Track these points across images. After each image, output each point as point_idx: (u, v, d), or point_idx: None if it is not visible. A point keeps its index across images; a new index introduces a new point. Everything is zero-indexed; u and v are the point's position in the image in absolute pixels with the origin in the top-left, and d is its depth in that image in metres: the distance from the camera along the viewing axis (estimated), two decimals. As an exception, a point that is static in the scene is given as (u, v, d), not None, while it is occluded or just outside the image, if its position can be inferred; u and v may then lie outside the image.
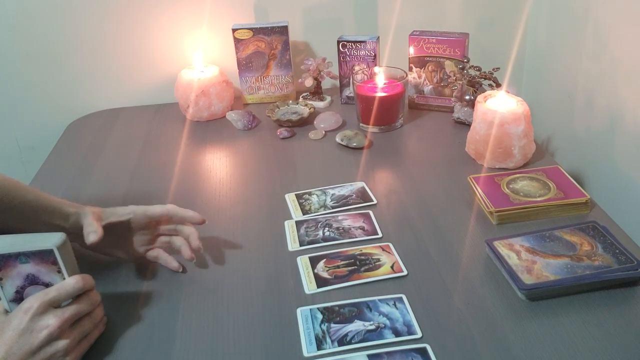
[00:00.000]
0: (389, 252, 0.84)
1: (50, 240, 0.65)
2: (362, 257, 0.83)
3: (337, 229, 0.90)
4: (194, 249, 0.83)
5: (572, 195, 0.91)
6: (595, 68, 1.14)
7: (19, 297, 0.66)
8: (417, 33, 1.26)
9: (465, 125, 1.20)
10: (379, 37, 1.30)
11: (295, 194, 1.00)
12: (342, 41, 1.29)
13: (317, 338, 0.69)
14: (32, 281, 0.66)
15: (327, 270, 0.81)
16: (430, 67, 1.27)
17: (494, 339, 0.68)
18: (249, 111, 1.30)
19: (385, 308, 0.73)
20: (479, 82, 1.19)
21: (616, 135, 1.08)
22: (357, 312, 0.73)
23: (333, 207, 0.96)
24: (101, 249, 0.82)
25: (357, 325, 0.71)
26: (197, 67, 1.33)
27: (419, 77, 1.28)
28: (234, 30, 1.31)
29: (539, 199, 0.91)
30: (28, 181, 1.11)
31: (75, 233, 0.78)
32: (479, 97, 1.07)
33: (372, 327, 0.71)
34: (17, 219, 0.79)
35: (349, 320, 0.72)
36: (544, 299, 0.74)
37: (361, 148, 1.15)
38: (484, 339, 0.68)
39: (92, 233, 0.77)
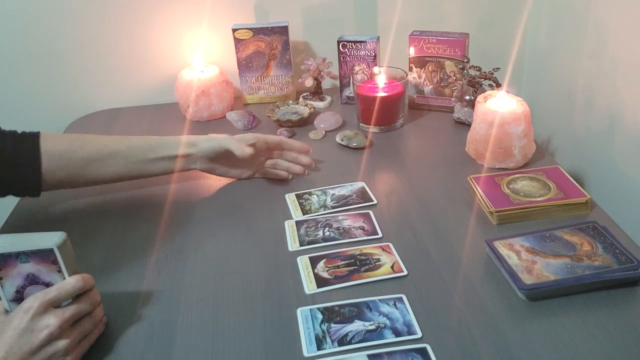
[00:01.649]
0: (389, 252, 0.84)
1: (51, 239, 0.65)
2: (362, 257, 0.83)
3: (337, 229, 0.90)
4: (306, 165, 1.06)
5: (572, 195, 0.91)
6: (595, 68, 1.14)
7: (19, 297, 0.66)
8: (417, 33, 1.26)
9: (466, 125, 1.20)
10: (379, 37, 1.30)
11: (295, 194, 1.00)
12: (342, 41, 1.29)
13: (317, 338, 0.69)
14: (33, 281, 0.66)
15: (327, 270, 0.81)
16: (430, 67, 1.27)
17: (494, 339, 0.69)
18: (249, 111, 1.30)
19: (385, 308, 0.73)
20: (479, 82, 1.19)
21: (616, 135, 1.08)
22: (357, 312, 0.73)
23: (333, 207, 0.96)
24: (220, 171, 1.03)
25: (357, 325, 0.71)
26: (197, 67, 1.33)
27: (419, 77, 1.28)
28: (234, 30, 1.31)
29: (539, 199, 0.91)
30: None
31: (201, 157, 0.98)
32: (479, 97, 1.07)
33: (372, 327, 0.71)
34: (131, 161, 0.94)
35: (349, 320, 0.72)
36: (544, 299, 0.74)
37: (361, 148, 1.15)
38: (484, 339, 0.68)
39: (247, 148, 0.97)
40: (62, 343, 0.64)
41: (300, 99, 1.36)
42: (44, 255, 0.65)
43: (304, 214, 0.94)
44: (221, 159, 1.01)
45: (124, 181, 0.98)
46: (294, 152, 1.06)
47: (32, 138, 0.89)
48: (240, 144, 0.97)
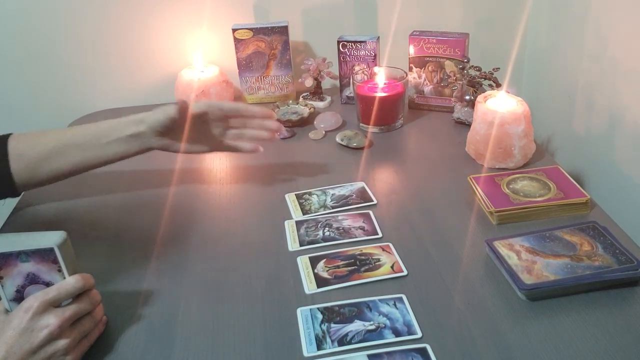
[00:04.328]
0: (389, 252, 0.84)
1: (51, 238, 0.65)
2: (362, 257, 0.83)
3: (337, 229, 0.90)
4: (274, 129, 0.98)
5: (572, 195, 0.91)
6: (595, 68, 1.14)
7: (19, 297, 0.66)
8: (417, 33, 1.26)
9: (465, 125, 1.20)
10: (379, 37, 1.30)
11: (295, 194, 1.00)
12: (342, 41, 1.29)
13: (317, 338, 0.69)
14: (33, 280, 0.66)
15: (327, 270, 0.81)
16: (430, 67, 1.27)
17: (494, 339, 0.69)
18: (249, 111, 1.30)
19: (385, 308, 0.73)
20: (479, 82, 1.19)
21: (616, 135, 1.08)
22: (357, 312, 0.73)
23: (333, 207, 0.96)
24: (183, 147, 0.94)
25: (357, 325, 0.71)
26: (197, 67, 1.33)
27: (419, 77, 1.28)
28: (234, 30, 1.31)
29: (539, 199, 0.91)
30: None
31: (152, 132, 0.90)
32: (479, 97, 1.07)
33: (372, 327, 0.71)
34: (85, 150, 0.90)
35: (349, 320, 0.72)
36: (544, 299, 0.74)
37: (361, 148, 1.15)
38: (484, 339, 0.68)
39: (180, 102, 0.89)
40: (62, 342, 0.64)
41: (300, 99, 1.36)
42: (44, 255, 0.65)
43: (304, 214, 0.94)
44: (174, 133, 0.93)
45: (84, 171, 0.94)
46: (257, 119, 0.98)
47: (1, 140, 0.89)
48: (176, 106, 0.91)
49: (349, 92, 1.35)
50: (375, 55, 1.29)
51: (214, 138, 0.97)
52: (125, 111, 1.39)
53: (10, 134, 0.90)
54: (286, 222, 0.93)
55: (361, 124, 1.24)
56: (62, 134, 0.93)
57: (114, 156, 0.93)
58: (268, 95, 1.39)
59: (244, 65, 1.35)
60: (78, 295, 0.67)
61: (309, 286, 0.78)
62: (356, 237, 0.88)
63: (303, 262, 0.83)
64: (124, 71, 1.40)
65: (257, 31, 1.32)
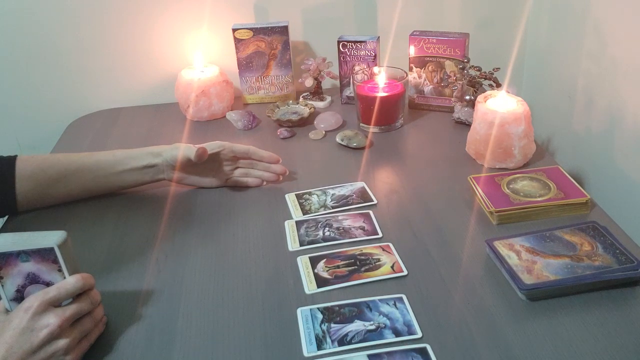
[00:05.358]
0: (389, 252, 0.84)
1: (51, 238, 0.65)
2: (362, 257, 0.83)
3: (337, 229, 0.90)
4: (280, 173, 1.03)
5: (572, 195, 0.91)
6: (595, 68, 1.14)
7: (19, 296, 0.66)
8: (417, 33, 1.26)
9: (466, 125, 1.20)
10: (379, 37, 1.30)
11: (295, 194, 1.00)
12: (342, 41, 1.29)
13: (317, 338, 0.69)
14: (33, 280, 0.66)
15: (327, 270, 0.81)
16: (430, 67, 1.27)
17: (494, 338, 0.69)
18: (249, 111, 1.30)
19: (385, 308, 0.73)
20: (479, 82, 1.19)
21: (616, 135, 1.09)
22: (357, 312, 0.73)
23: (333, 207, 0.96)
24: (190, 180, 1.01)
25: (357, 325, 0.71)
26: (197, 67, 1.33)
27: (419, 77, 1.28)
28: (234, 30, 1.31)
29: (539, 199, 0.91)
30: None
31: (167, 166, 0.97)
32: (479, 97, 1.07)
33: (372, 327, 0.71)
34: (99, 175, 0.96)
35: (349, 320, 0.72)
36: (544, 299, 0.74)
37: (361, 148, 1.15)
38: (484, 339, 0.68)
39: (200, 150, 0.94)
40: (62, 342, 0.64)
41: (300, 99, 1.36)
42: (45, 255, 0.65)
43: (304, 214, 0.94)
44: (187, 168, 0.99)
45: (93, 195, 1.00)
46: (264, 162, 1.03)
47: (9, 162, 0.92)
48: (195, 147, 0.95)
49: (349, 92, 1.35)
50: (375, 55, 1.29)
51: (223, 174, 1.02)
52: (125, 111, 1.40)
53: (16, 156, 0.94)
54: (286, 222, 0.93)
55: (361, 124, 1.24)
56: (74, 158, 0.97)
57: (126, 184, 0.99)
58: (268, 95, 1.39)
59: (244, 65, 1.35)
60: (78, 295, 0.67)
61: (309, 286, 0.78)
62: (356, 237, 0.88)
63: (303, 262, 0.83)
64: (124, 71, 1.40)
65: (257, 31, 1.32)
